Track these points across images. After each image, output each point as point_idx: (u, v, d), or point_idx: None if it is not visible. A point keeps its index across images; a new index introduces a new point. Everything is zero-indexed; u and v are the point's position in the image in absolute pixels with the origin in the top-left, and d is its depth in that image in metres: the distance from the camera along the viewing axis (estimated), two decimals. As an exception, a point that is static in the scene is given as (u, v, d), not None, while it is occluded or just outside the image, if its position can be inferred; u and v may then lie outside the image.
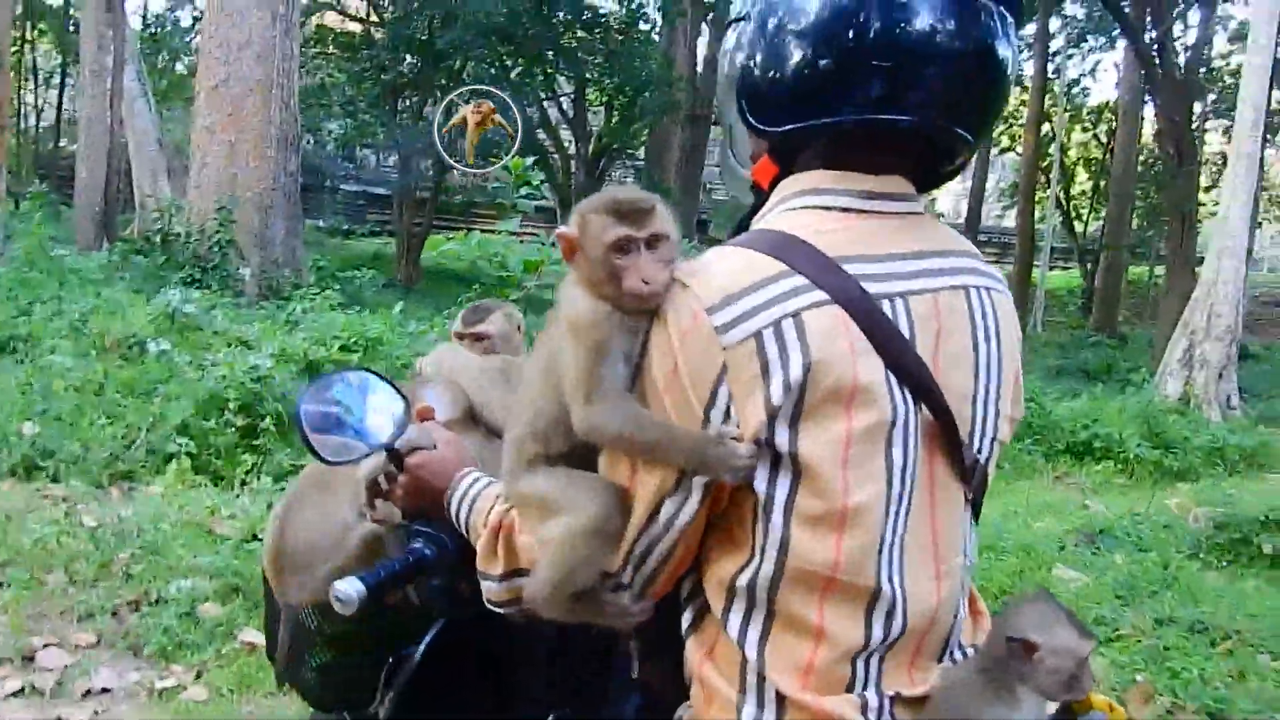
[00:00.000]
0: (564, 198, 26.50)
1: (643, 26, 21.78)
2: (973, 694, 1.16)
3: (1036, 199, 30.29)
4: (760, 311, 1.10)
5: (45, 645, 3.60)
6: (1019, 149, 24.92)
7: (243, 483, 5.65)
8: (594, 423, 1.14)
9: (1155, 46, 15.88)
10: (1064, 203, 27.96)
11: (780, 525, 1.13)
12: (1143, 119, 20.64)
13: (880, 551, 1.15)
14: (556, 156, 25.13)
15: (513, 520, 1.28)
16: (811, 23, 1.19)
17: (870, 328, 1.12)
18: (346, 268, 13.31)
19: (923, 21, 1.17)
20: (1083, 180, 29.83)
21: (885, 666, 1.19)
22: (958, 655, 1.27)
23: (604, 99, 24.94)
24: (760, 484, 1.13)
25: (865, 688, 1.17)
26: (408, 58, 18.58)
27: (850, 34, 1.17)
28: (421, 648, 1.58)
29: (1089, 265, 24.51)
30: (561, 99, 24.49)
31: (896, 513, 1.16)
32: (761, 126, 1.25)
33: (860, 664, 1.17)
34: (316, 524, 1.71)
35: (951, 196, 42.77)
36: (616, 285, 1.13)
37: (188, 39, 23.23)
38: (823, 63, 1.19)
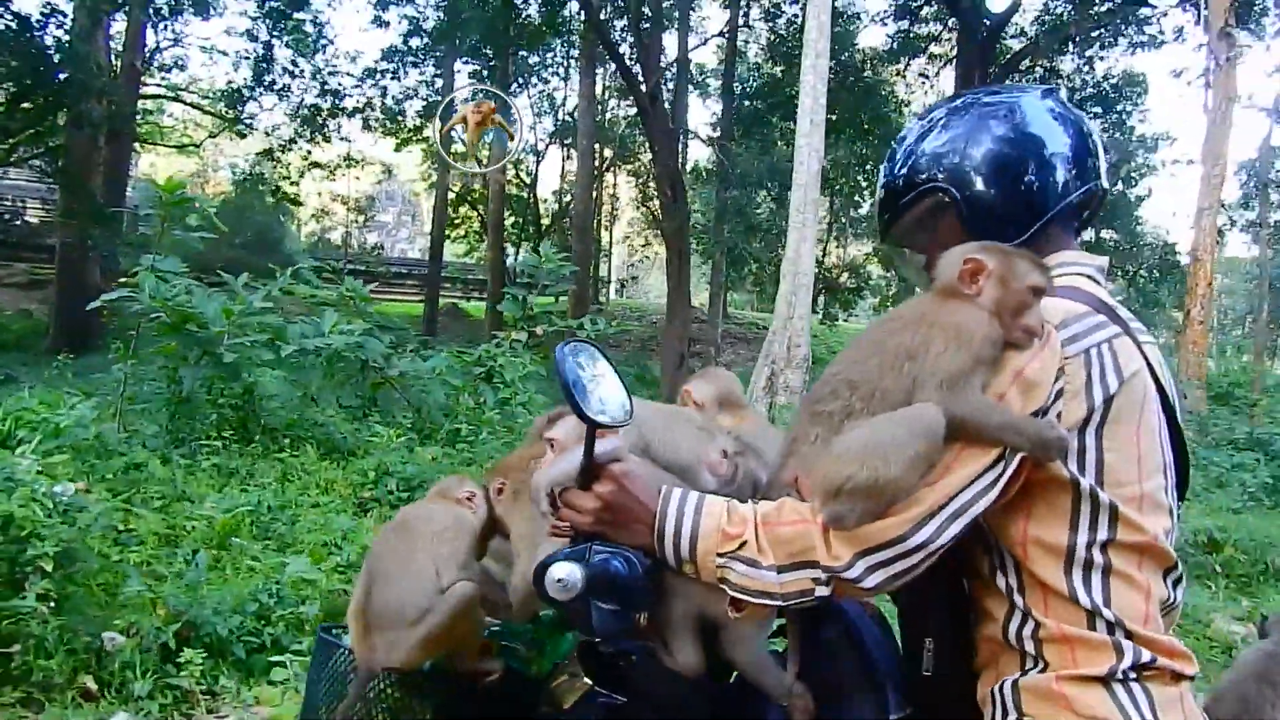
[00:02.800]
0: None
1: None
2: None
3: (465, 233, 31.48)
4: (1089, 334, 1.43)
5: None
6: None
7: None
8: (951, 408, 1.35)
9: (650, 99, 17.39)
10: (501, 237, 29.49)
11: (1108, 502, 1.40)
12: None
13: (1170, 532, 1.48)
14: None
15: (763, 515, 1.41)
16: (1024, 163, 1.64)
17: (1145, 356, 1.49)
18: None
19: (1076, 130, 1.68)
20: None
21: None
22: None
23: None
24: (1074, 469, 1.40)
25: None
26: None
27: (1049, 151, 1.64)
28: None
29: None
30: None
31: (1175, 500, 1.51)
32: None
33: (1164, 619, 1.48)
34: (402, 579, 1.65)
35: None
36: (1015, 318, 1.42)
37: None
38: (1039, 179, 1.63)
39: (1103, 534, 1.40)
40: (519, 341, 9.21)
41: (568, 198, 30.70)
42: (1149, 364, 1.49)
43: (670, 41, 20.29)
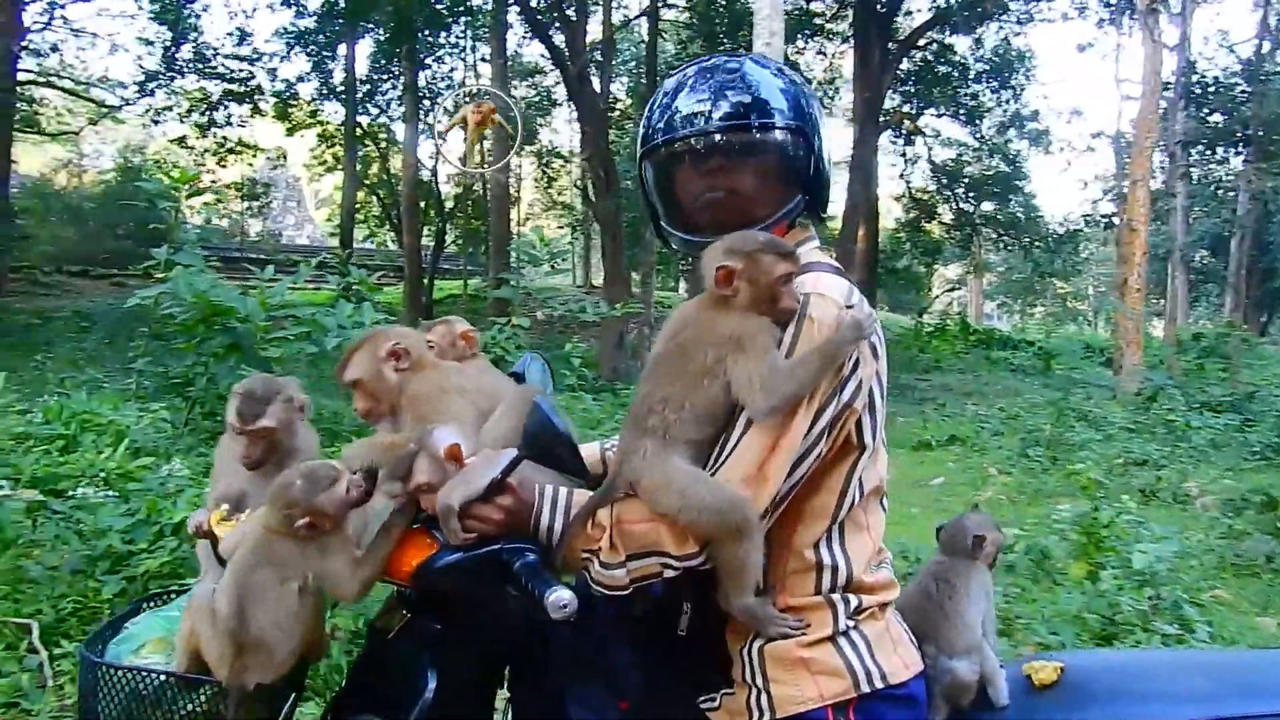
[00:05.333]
0: None
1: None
2: (954, 567, 1.90)
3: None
4: (863, 304, 1.65)
5: None
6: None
7: None
8: (777, 401, 1.55)
9: (579, 79, 17.27)
10: (394, 221, 28.86)
11: (869, 463, 1.70)
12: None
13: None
14: None
15: (618, 514, 1.62)
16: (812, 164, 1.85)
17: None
18: None
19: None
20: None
21: None
22: None
23: None
24: (865, 430, 1.66)
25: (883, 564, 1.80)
26: None
27: (821, 157, 1.86)
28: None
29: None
30: None
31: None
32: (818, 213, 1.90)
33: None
34: (276, 602, 1.77)
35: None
36: (775, 304, 1.62)
37: None
38: (826, 173, 1.88)
39: (867, 486, 1.69)
40: (521, 327, 9.08)
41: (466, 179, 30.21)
42: None
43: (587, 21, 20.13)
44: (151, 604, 2.05)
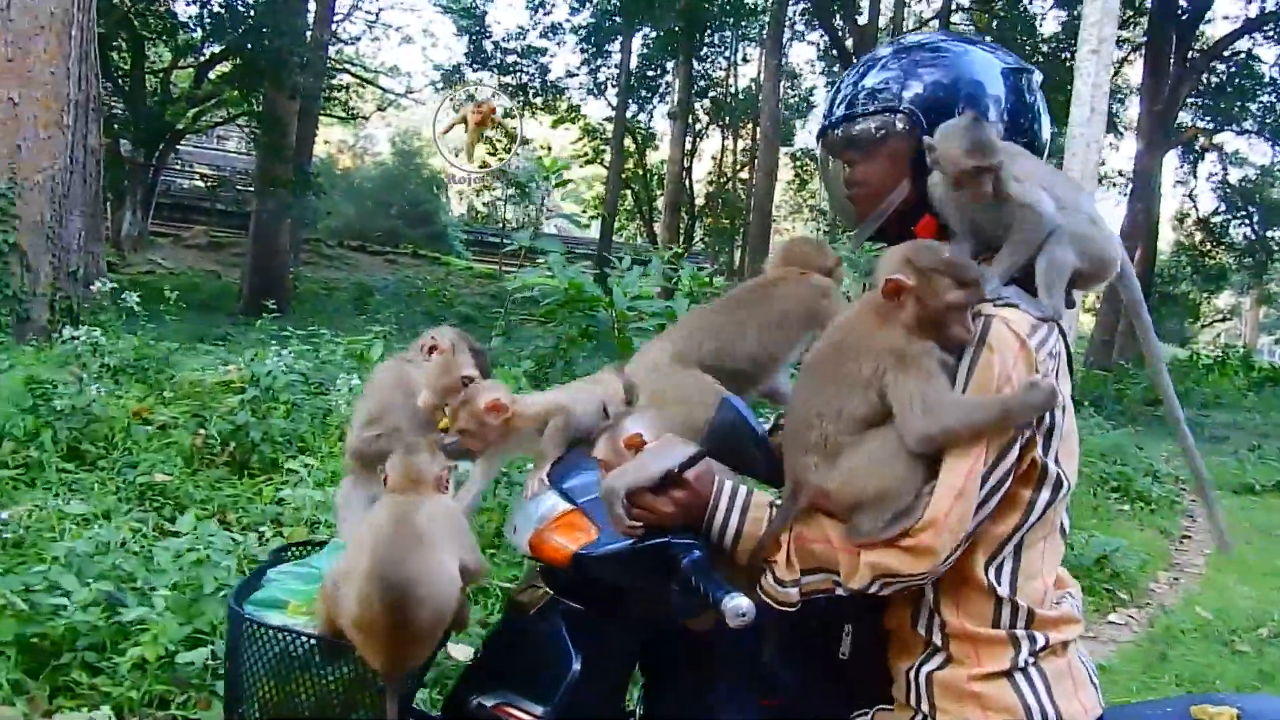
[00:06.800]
0: (115, 183, 21.24)
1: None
2: None
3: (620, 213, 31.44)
4: (1048, 338, 1.53)
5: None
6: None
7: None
8: (936, 429, 1.45)
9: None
10: (645, 216, 29.58)
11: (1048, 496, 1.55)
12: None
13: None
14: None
15: (798, 531, 1.56)
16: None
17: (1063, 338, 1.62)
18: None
19: None
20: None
21: None
22: None
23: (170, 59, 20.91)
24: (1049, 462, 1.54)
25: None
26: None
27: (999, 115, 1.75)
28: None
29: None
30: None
31: None
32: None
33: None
34: (437, 588, 1.63)
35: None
36: (942, 329, 1.50)
37: None
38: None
39: (1040, 512, 1.55)
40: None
41: (721, 178, 30.56)
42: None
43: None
44: (290, 552, 2.03)
